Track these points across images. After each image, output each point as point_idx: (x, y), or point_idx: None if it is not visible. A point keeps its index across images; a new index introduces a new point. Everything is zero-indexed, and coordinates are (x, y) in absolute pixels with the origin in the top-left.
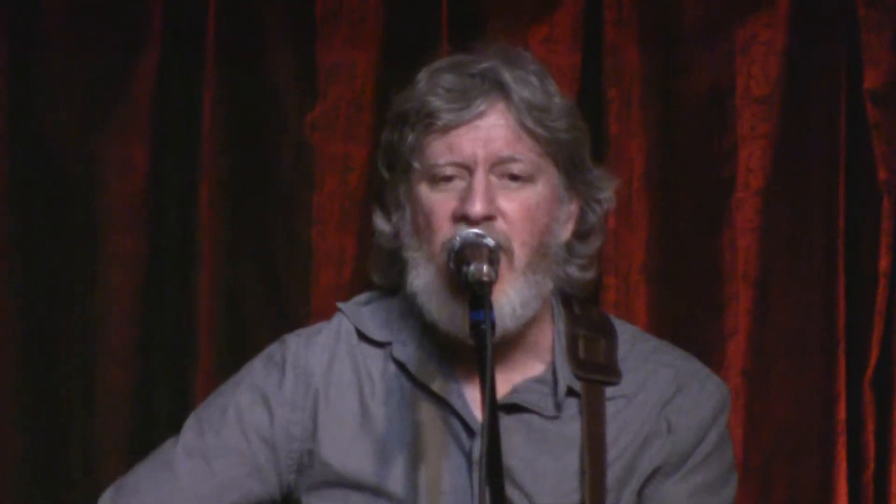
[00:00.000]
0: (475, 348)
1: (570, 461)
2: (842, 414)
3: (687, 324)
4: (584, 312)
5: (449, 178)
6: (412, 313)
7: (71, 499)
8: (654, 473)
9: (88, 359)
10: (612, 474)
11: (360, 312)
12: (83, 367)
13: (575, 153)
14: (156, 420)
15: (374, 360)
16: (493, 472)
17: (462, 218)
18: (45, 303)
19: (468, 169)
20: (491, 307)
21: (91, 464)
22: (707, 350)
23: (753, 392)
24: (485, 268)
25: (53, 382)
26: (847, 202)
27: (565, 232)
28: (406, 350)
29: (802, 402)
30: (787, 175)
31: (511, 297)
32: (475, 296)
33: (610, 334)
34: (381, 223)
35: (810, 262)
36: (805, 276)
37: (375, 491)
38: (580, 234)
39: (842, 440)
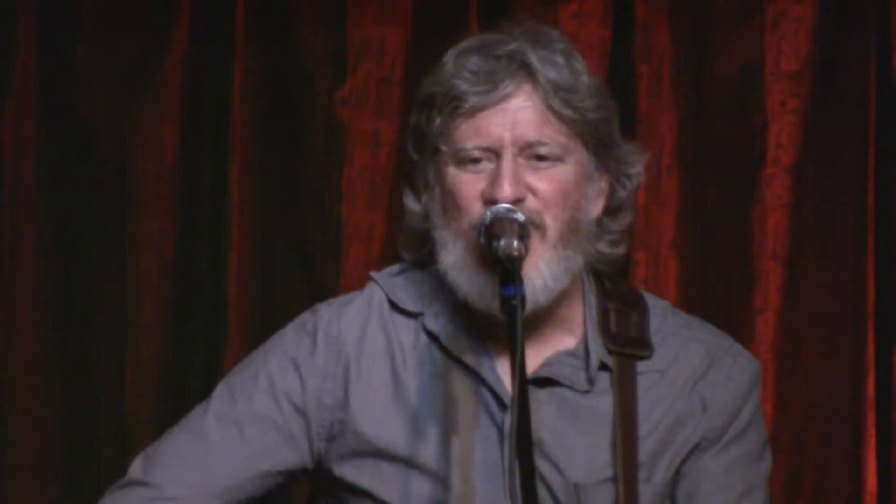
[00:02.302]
0: (505, 323)
1: (602, 435)
2: (871, 390)
3: (716, 300)
4: (615, 286)
5: (476, 161)
6: (443, 289)
7: (102, 475)
8: (692, 451)
9: (120, 337)
10: (645, 449)
11: (393, 282)
12: (115, 346)
13: (603, 132)
14: (187, 398)
15: (406, 331)
16: (524, 446)
17: (491, 201)
18: (78, 282)
19: (495, 153)
20: (521, 282)
21: (122, 442)
22: (736, 326)
23: (783, 368)
24: (515, 242)
25: (86, 361)
26: (876, 178)
27: (596, 208)
28: (438, 321)
29: (831, 378)
30: (817, 151)
31: (542, 271)
32: (505, 271)
33: (641, 308)
34: (411, 203)
35: (840, 238)
36: (834, 252)
37: (407, 462)
38: (611, 210)
39: (871, 416)
